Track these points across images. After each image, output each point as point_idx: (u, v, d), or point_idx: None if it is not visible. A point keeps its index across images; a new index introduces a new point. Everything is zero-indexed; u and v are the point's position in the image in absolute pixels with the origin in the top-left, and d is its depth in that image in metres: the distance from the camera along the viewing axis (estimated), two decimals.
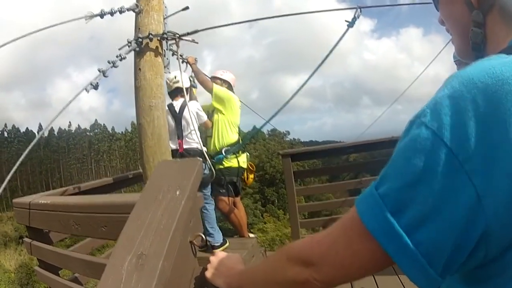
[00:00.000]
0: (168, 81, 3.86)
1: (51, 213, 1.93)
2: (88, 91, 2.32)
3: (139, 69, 2.67)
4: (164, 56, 2.81)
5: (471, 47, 0.67)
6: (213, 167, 3.37)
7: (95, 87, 2.35)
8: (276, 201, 51.35)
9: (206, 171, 3.26)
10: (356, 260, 0.56)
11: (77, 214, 1.72)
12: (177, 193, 1.02)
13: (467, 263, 0.51)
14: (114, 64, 2.49)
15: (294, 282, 0.65)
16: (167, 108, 3.27)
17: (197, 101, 4.32)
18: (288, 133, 75.98)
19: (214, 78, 4.34)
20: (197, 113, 3.93)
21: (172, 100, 3.89)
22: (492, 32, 0.63)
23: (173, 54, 3.11)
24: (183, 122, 3.82)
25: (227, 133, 4.11)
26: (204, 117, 4.10)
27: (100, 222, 1.57)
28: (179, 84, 3.85)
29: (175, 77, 3.81)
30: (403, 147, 0.52)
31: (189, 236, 1.08)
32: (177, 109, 3.85)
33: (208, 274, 0.94)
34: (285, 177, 4.45)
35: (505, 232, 0.48)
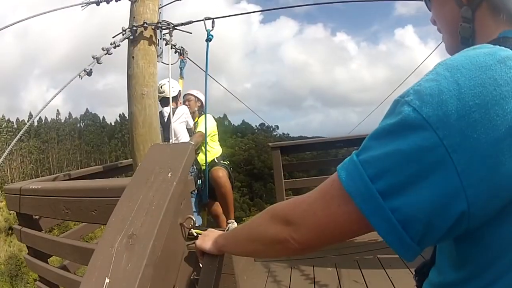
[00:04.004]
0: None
1: (42, 198, 1.93)
2: (81, 78, 2.31)
3: (132, 57, 2.66)
4: (158, 45, 2.81)
5: (460, 41, 0.69)
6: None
7: (89, 73, 2.34)
8: (264, 195, 51.42)
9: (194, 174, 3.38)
10: (332, 221, 0.58)
11: (68, 199, 1.72)
12: (169, 175, 1.03)
13: (449, 235, 0.52)
14: (108, 52, 2.48)
15: (274, 239, 0.68)
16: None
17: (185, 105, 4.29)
18: (277, 127, 76.35)
19: (188, 95, 4.33)
20: (187, 121, 4.00)
21: (163, 107, 3.89)
22: (481, 26, 0.66)
23: (166, 44, 3.10)
24: (171, 130, 3.81)
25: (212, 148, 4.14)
26: (191, 124, 4.13)
27: (90, 206, 1.58)
28: (165, 95, 3.84)
29: (161, 87, 3.77)
30: (385, 122, 0.54)
31: (180, 218, 1.09)
32: (165, 117, 3.87)
33: (198, 242, 1.00)
34: (274, 170, 4.44)
35: (486, 208, 0.49)
